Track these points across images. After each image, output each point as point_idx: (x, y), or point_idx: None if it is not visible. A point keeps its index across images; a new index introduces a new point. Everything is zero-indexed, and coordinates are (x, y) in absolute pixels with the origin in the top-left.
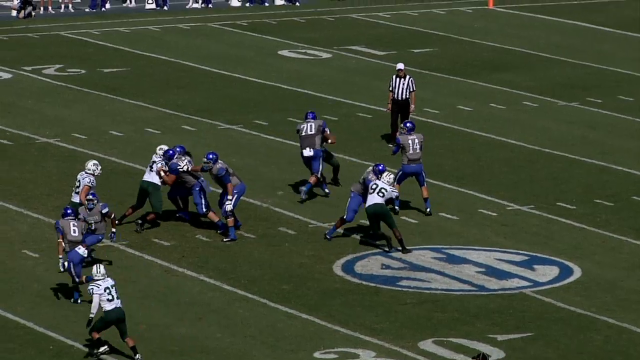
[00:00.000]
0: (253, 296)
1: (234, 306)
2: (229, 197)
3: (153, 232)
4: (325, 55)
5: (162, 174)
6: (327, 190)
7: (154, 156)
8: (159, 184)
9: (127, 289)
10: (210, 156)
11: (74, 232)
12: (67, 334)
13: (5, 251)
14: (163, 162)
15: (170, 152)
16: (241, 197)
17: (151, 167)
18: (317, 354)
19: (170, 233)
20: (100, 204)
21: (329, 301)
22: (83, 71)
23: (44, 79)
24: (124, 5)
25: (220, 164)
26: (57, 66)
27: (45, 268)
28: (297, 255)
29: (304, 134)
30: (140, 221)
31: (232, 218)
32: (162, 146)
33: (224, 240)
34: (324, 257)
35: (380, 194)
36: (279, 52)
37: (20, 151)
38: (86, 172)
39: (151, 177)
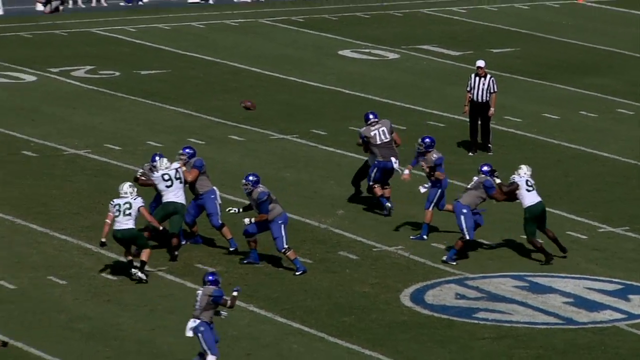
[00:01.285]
0: (309, 330)
1: (287, 341)
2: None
3: (197, 257)
4: (392, 56)
5: (184, 168)
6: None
7: (169, 172)
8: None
9: (166, 321)
10: (251, 178)
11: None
12: None
13: (29, 278)
14: (178, 163)
15: (188, 149)
16: (287, 223)
17: (179, 179)
18: None
19: (215, 257)
20: None
21: (396, 335)
22: (117, 73)
23: (72, 82)
24: None
25: (262, 188)
26: (88, 67)
27: (74, 297)
28: (359, 283)
29: (379, 142)
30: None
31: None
32: (159, 158)
33: (296, 273)
34: (390, 286)
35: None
36: (340, 52)
37: (45, 164)
38: (128, 194)
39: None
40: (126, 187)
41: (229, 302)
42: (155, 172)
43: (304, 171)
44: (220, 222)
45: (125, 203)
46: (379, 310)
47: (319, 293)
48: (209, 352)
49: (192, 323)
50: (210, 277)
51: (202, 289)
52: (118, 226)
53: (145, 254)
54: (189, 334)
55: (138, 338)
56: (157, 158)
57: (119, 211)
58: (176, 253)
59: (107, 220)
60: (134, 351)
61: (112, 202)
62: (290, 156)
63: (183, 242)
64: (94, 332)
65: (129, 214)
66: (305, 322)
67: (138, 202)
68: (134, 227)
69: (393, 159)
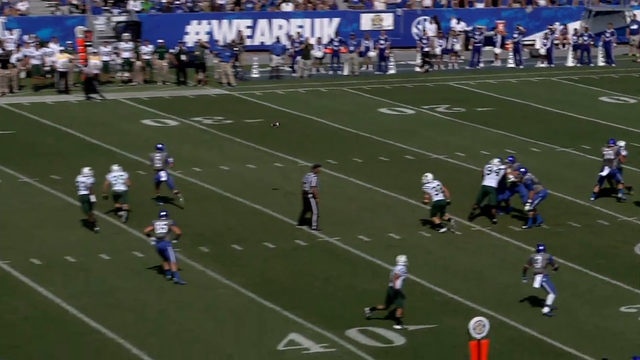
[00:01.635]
0: (578, 267)
1: (564, 274)
2: (529, 200)
3: (509, 222)
4: (632, 101)
5: (509, 170)
6: (624, 197)
7: (491, 167)
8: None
9: (490, 260)
10: (522, 170)
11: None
12: (448, 289)
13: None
14: (504, 165)
15: (511, 158)
16: (546, 198)
17: (496, 172)
18: (622, 309)
19: (519, 221)
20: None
21: (633, 271)
22: (463, 109)
23: (436, 114)
24: (492, 64)
25: (528, 175)
26: (445, 106)
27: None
28: (610, 239)
29: (606, 157)
30: (494, 219)
31: (532, 212)
32: (495, 160)
33: (523, 227)
34: (628, 242)
35: None
36: (599, 98)
37: (418, 165)
38: (434, 180)
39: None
40: (430, 176)
41: (555, 265)
42: (487, 165)
43: (575, 171)
44: (528, 200)
45: (438, 185)
46: (622, 256)
47: (584, 245)
48: (552, 293)
49: (539, 277)
50: (540, 247)
51: (539, 255)
52: (437, 198)
53: (436, 219)
54: (537, 285)
55: (468, 269)
56: (494, 160)
57: (437, 191)
58: (494, 220)
59: (426, 195)
60: (463, 278)
61: (427, 187)
62: (567, 162)
63: (500, 213)
64: (436, 265)
65: (442, 191)
66: (576, 262)
67: (440, 183)
68: (444, 198)
69: (606, 167)
